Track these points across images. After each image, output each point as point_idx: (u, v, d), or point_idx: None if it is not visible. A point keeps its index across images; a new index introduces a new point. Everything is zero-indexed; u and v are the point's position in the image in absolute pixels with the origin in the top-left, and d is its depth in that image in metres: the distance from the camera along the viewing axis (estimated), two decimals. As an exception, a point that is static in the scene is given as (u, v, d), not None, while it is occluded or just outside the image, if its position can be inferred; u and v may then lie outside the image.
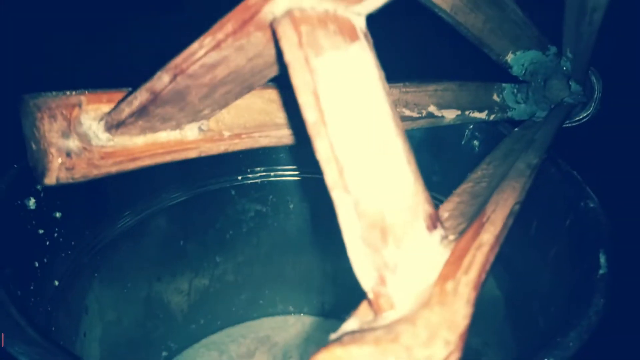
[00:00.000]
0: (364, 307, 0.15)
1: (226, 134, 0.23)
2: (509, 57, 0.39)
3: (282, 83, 0.25)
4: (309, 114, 0.14)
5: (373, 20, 0.18)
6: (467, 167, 0.31)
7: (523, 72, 0.40)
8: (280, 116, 0.25)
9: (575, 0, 0.25)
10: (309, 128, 0.14)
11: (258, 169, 0.43)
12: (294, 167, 0.44)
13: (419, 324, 0.13)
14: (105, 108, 0.20)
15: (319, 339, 0.47)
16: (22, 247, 0.29)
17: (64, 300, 0.32)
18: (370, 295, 0.14)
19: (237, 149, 0.24)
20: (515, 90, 0.40)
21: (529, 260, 0.35)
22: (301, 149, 0.28)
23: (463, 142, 0.40)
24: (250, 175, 0.43)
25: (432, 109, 0.34)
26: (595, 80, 0.38)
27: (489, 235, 0.17)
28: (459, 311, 0.13)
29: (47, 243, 0.31)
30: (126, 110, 0.18)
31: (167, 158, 0.21)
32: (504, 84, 0.40)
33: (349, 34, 0.15)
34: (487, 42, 0.37)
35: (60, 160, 0.19)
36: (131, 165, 0.21)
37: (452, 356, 0.13)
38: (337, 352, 0.12)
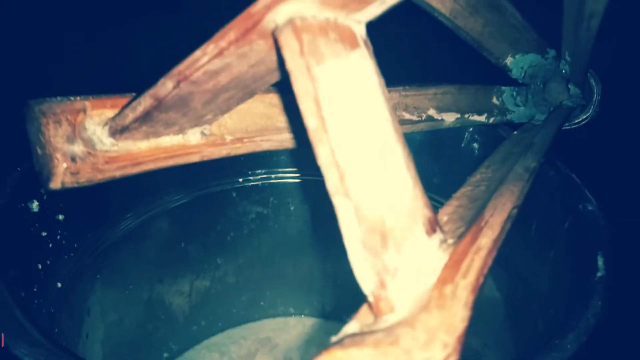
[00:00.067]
0: (364, 310, 0.15)
1: (228, 138, 0.23)
2: (508, 61, 0.39)
3: (283, 87, 0.25)
4: (311, 121, 0.14)
5: (373, 24, 0.18)
6: (467, 169, 0.31)
7: (522, 75, 0.40)
8: (281, 120, 0.26)
9: (573, 6, 0.25)
10: (310, 134, 0.14)
11: (259, 171, 0.44)
12: (294, 169, 0.44)
13: (418, 327, 0.13)
14: (109, 113, 0.20)
15: (319, 341, 0.47)
16: (26, 250, 0.30)
17: (66, 302, 0.33)
18: (371, 298, 0.14)
19: (239, 153, 0.24)
20: (514, 93, 0.40)
21: (528, 261, 0.35)
22: (301, 152, 0.29)
23: (463, 145, 0.40)
24: (251, 178, 0.44)
25: (431, 112, 0.35)
26: (594, 83, 0.39)
27: (487, 239, 0.17)
28: (457, 314, 0.14)
29: (50, 245, 0.32)
30: (130, 115, 0.19)
31: (170, 162, 0.22)
32: (503, 87, 0.40)
33: (350, 41, 0.16)
34: (486, 46, 0.37)
35: (65, 165, 0.19)
36: (135, 170, 0.21)
37: (450, 358, 0.13)
38: (338, 354, 0.13)
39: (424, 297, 0.14)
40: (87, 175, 0.20)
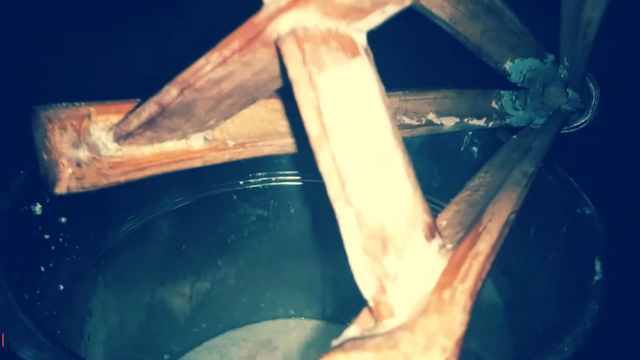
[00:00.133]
0: (365, 314, 0.15)
1: (230, 143, 0.23)
2: (508, 65, 0.40)
3: (285, 92, 0.26)
4: (312, 129, 0.15)
5: (373, 29, 0.18)
6: (466, 173, 0.31)
7: (521, 79, 0.40)
8: (283, 125, 0.26)
9: (571, 13, 0.25)
10: (312, 142, 0.15)
11: (259, 173, 0.44)
12: (295, 172, 0.45)
13: (418, 331, 0.13)
14: (114, 119, 0.21)
15: (319, 343, 0.47)
16: (29, 252, 0.30)
17: (69, 304, 0.33)
18: (371, 303, 0.15)
19: (241, 157, 0.24)
20: (513, 97, 0.41)
21: (527, 265, 0.35)
22: (302, 154, 0.29)
23: (462, 149, 0.41)
24: (251, 180, 0.44)
25: (431, 116, 0.35)
26: (592, 87, 0.39)
27: (485, 244, 0.17)
28: (455, 319, 0.14)
29: (53, 248, 0.32)
30: (135, 121, 0.19)
31: (174, 167, 0.22)
32: (502, 91, 0.40)
33: (351, 50, 0.16)
34: (485, 51, 0.38)
35: (70, 170, 0.19)
36: (139, 175, 0.21)
37: (449, 362, 0.13)
38: (339, 358, 0.13)
39: (423, 301, 0.14)
40: (92, 181, 0.20)
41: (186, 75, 0.17)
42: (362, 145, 0.15)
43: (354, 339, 0.14)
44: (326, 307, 0.49)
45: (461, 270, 0.15)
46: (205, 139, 0.22)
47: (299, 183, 0.45)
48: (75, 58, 0.85)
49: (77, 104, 0.20)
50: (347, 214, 0.14)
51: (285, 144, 0.26)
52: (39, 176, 0.28)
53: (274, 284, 0.48)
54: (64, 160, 0.19)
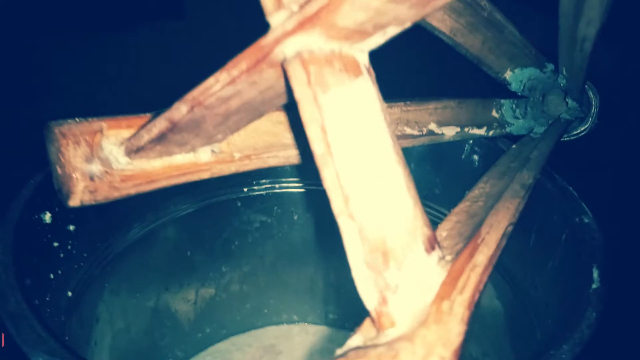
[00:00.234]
0: (367, 324, 0.16)
1: (237, 155, 0.24)
2: (508, 75, 0.40)
3: (289, 105, 0.26)
4: (317, 147, 0.15)
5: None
6: (467, 180, 0.32)
7: (521, 88, 0.41)
8: (287, 137, 0.27)
9: (567, 29, 0.26)
10: (316, 159, 0.15)
11: (263, 181, 0.44)
12: (298, 179, 0.45)
13: (417, 341, 0.14)
14: (125, 133, 0.21)
15: (322, 348, 0.48)
16: (39, 260, 0.30)
17: (76, 310, 0.33)
18: (373, 314, 0.15)
19: (247, 169, 0.25)
20: (513, 106, 0.41)
21: (527, 272, 0.36)
22: (305, 162, 0.30)
23: (463, 157, 0.41)
24: (255, 187, 0.44)
25: (432, 126, 0.36)
26: (592, 96, 0.39)
27: (482, 256, 0.18)
28: (453, 329, 0.15)
29: (62, 255, 0.32)
30: (145, 136, 0.20)
31: (182, 179, 0.23)
32: (502, 100, 0.41)
33: (353, 70, 0.17)
34: (485, 61, 0.38)
35: (84, 184, 0.20)
36: (149, 187, 0.22)
37: (448, 371, 0.14)
38: (343, 366, 0.14)
39: (423, 312, 0.15)
40: (104, 193, 0.21)
41: (196, 93, 0.18)
42: (364, 162, 0.16)
43: (357, 349, 0.14)
44: (329, 312, 0.50)
45: (459, 282, 0.16)
46: (212, 151, 0.23)
47: (302, 190, 0.45)
48: (79, 61, 0.86)
49: (89, 119, 0.21)
50: (351, 229, 0.15)
51: (290, 155, 0.27)
52: (49, 185, 0.29)
53: (277, 290, 0.49)
54: (77, 174, 0.20)
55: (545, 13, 0.31)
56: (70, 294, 0.33)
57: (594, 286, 0.27)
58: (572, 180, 0.34)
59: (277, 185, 0.45)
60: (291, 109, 0.27)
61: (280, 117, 0.27)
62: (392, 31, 0.16)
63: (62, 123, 0.21)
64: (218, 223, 0.44)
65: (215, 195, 0.43)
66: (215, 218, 0.44)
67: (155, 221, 0.40)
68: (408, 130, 0.34)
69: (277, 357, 0.47)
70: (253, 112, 0.21)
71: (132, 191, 0.22)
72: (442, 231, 0.21)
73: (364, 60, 0.17)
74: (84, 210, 0.33)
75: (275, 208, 0.46)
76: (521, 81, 0.41)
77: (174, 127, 0.19)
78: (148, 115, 0.23)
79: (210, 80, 0.17)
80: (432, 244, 0.17)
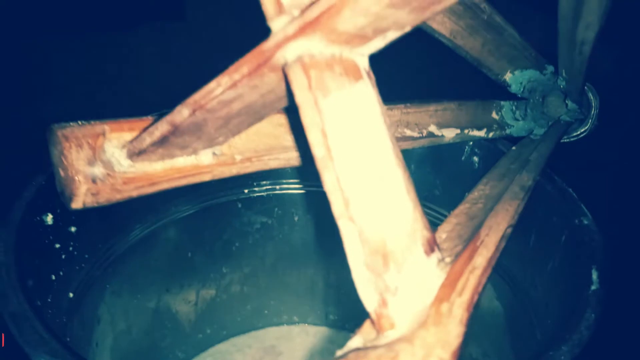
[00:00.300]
0: (367, 325, 0.16)
1: (238, 157, 0.24)
2: (507, 77, 0.40)
3: (289, 107, 0.27)
4: (318, 150, 0.15)
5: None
6: (467, 181, 0.32)
7: (521, 89, 0.41)
8: (287, 139, 0.27)
9: (566, 32, 0.26)
10: (317, 162, 0.16)
11: (264, 182, 0.45)
12: (299, 180, 0.45)
13: (416, 343, 0.14)
14: (127, 136, 0.22)
15: (323, 349, 0.48)
16: (41, 261, 0.31)
17: (78, 311, 0.34)
18: (373, 315, 0.16)
19: (248, 171, 0.25)
20: (513, 108, 0.41)
21: (527, 273, 0.36)
22: (306, 164, 0.30)
23: (463, 158, 0.41)
24: (256, 189, 0.45)
25: (432, 128, 0.36)
26: (592, 97, 0.39)
27: (482, 258, 0.18)
28: (452, 331, 0.15)
29: (63, 257, 0.33)
30: (147, 139, 0.20)
31: (184, 182, 0.23)
32: (502, 102, 0.41)
33: (353, 74, 0.17)
34: (485, 63, 0.39)
35: (86, 186, 0.20)
36: (151, 190, 0.22)
37: (447, 372, 0.14)
38: (343, 367, 0.14)
39: (422, 314, 0.15)
40: (107, 196, 0.21)
41: (197, 97, 0.18)
42: (364, 165, 0.16)
43: (356, 350, 0.15)
44: (330, 313, 0.50)
45: (459, 284, 0.16)
46: (214, 154, 0.23)
47: (303, 191, 0.46)
48: (80, 62, 0.86)
49: (92, 122, 0.21)
50: (351, 231, 0.15)
51: (290, 157, 0.27)
52: (50, 187, 0.29)
53: (278, 291, 0.49)
54: (80, 177, 0.20)
55: (546, 14, 0.31)
56: (71, 295, 0.33)
57: (593, 287, 0.27)
58: (571, 181, 0.34)
59: (277, 187, 0.45)
60: (292, 111, 0.27)
61: (281, 119, 0.27)
62: (392, 35, 0.17)
63: (65, 126, 0.21)
64: (219, 224, 0.44)
65: (215, 197, 0.43)
66: (216, 219, 0.44)
67: (156, 222, 0.40)
68: (408, 132, 0.35)
69: (278, 358, 0.47)
70: (254, 115, 0.21)
71: (134, 193, 0.22)
72: (442, 233, 0.21)
73: (364, 64, 0.17)
74: (86, 212, 0.33)
75: (276, 209, 0.46)
76: (521, 83, 0.41)
77: (175, 130, 0.19)
78: (150, 118, 0.23)
79: (212, 84, 0.17)
80: (432, 246, 0.17)
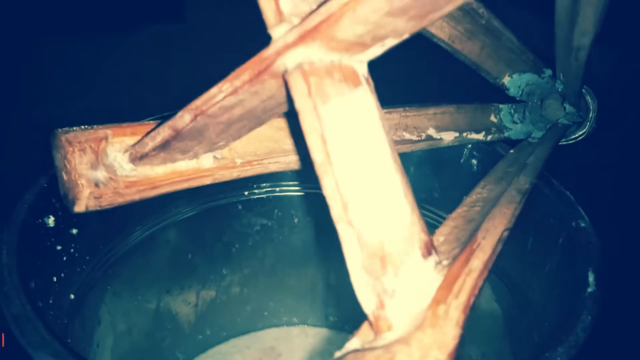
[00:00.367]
0: (365, 327, 0.16)
1: (238, 161, 0.25)
2: (506, 80, 0.41)
3: (289, 112, 0.27)
4: (317, 155, 0.16)
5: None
6: (466, 184, 0.32)
7: (520, 93, 0.41)
8: (287, 143, 0.27)
9: (562, 38, 0.27)
10: (316, 167, 0.16)
11: (264, 184, 0.45)
12: (298, 182, 0.45)
13: (413, 344, 0.14)
14: (129, 140, 0.22)
15: (322, 350, 0.48)
16: (42, 263, 0.31)
17: (79, 312, 0.34)
18: (371, 317, 0.16)
19: (249, 174, 0.26)
20: (512, 111, 0.41)
21: (525, 275, 0.36)
22: (305, 166, 0.30)
23: (462, 161, 0.42)
24: (256, 191, 0.45)
25: (431, 131, 0.36)
26: (590, 100, 0.40)
27: (478, 261, 0.18)
28: (448, 333, 0.15)
29: (65, 258, 0.33)
30: (150, 144, 0.20)
31: (185, 185, 0.23)
32: (501, 105, 0.41)
33: (352, 80, 0.17)
34: (484, 67, 0.39)
35: (89, 190, 0.21)
36: (153, 193, 0.22)
37: (443, 373, 0.14)
38: (341, 369, 0.14)
39: (419, 316, 0.15)
40: (109, 199, 0.21)
41: (199, 102, 0.18)
42: (363, 170, 0.16)
43: (355, 351, 0.15)
44: (329, 314, 0.50)
45: (455, 287, 0.16)
46: (215, 158, 0.24)
47: (303, 193, 0.46)
48: (81, 63, 0.87)
49: (94, 126, 0.22)
50: (349, 235, 0.16)
51: (290, 161, 0.27)
52: (52, 189, 0.30)
53: (277, 292, 0.49)
54: (83, 181, 0.21)
55: (544, 18, 0.32)
56: (72, 296, 0.33)
57: (589, 290, 0.27)
58: (569, 184, 0.35)
59: (277, 189, 0.46)
60: (292, 115, 0.27)
61: (281, 123, 0.27)
62: (390, 43, 0.17)
63: (68, 130, 0.21)
64: (219, 226, 0.44)
65: (216, 199, 0.44)
66: (216, 221, 0.44)
67: (156, 224, 0.41)
68: (407, 136, 0.35)
69: (277, 359, 0.47)
70: (255, 120, 0.21)
71: (136, 197, 0.22)
72: (440, 236, 0.21)
73: (362, 70, 0.18)
74: (86, 214, 0.33)
75: (276, 211, 0.46)
76: (519, 86, 0.41)
77: (177, 135, 0.19)
78: (151, 123, 0.23)
79: (214, 90, 0.17)
80: (429, 249, 0.17)
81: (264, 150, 0.26)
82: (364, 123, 0.17)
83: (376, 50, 0.17)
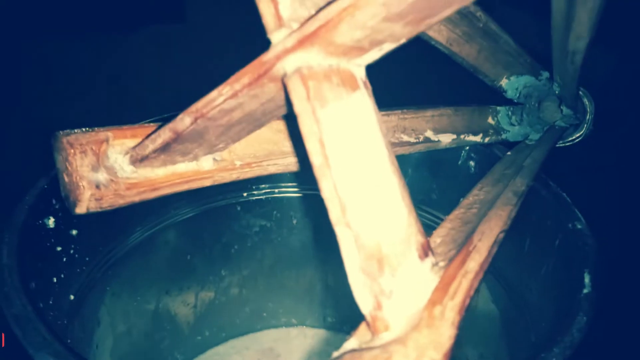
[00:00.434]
0: (362, 328, 0.16)
1: (238, 163, 0.25)
2: (503, 82, 0.41)
3: (288, 114, 0.27)
4: (315, 159, 0.16)
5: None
6: (463, 186, 0.33)
7: (517, 95, 0.41)
8: (286, 145, 0.27)
9: (558, 41, 0.27)
10: (315, 170, 0.16)
11: (263, 185, 0.45)
12: (297, 183, 0.46)
13: (410, 344, 0.15)
14: (130, 142, 0.22)
15: (320, 351, 0.48)
16: (43, 264, 0.31)
17: (78, 313, 0.34)
18: (368, 318, 0.16)
19: (248, 176, 0.26)
20: (509, 113, 0.42)
21: (522, 276, 0.36)
22: (304, 167, 0.30)
23: (460, 163, 0.42)
24: (255, 192, 0.45)
25: (429, 134, 0.36)
26: (587, 102, 0.40)
27: (474, 263, 0.18)
28: (444, 333, 0.15)
29: (64, 259, 0.33)
30: (150, 146, 0.20)
31: (185, 187, 0.23)
32: (498, 107, 0.42)
33: (350, 84, 0.17)
34: (481, 69, 0.39)
35: (90, 192, 0.21)
36: (153, 195, 0.23)
37: (439, 372, 0.15)
38: (339, 368, 0.14)
39: (415, 317, 0.16)
40: (110, 201, 0.22)
41: (199, 105, 0.18)
42: (361, 173, 0.17)
43: (352, 351, 0.15)
44: (327, 315, 0.50)
45: (451, 288, 0.17)
46: (214, 160, 0.24)
47: (301, 195, 0.46)
48: (82, 63, 0.87)
49: (95, 128, 0.22)
50: (347, 237, 0.16)
51: (289, 163, 0.28)
52: (52, 191, 0.30)
53: (276, 293, 0.49)
54: (84, 183, 0.21)
55: (542, 18, 0.32)
56: (72, 297, 0.33)
57: (585, 291, 0.28)
58: (566, 186, 0.35)
59: (276, 190, 0.46)
60: (291, 118, 0.28)
61: (280, 126, 0.27)
62: (388, 47, 0.17)
63: (70, 133, 0.21)
64: (218, 227, 0.45)
65: (215, 200, 0.44)
66: (215, 222, 0.44)
67: (155, 226, 0.41)
68: (405, 138, 0.35)
69: (276, 360, 0.47)
70: (254, 122, 0.21)
71: (137, 199, 0.22)
72: (437, 238, 0.22)
73: (360, 74, 0.18)
74: (86, 215, 0.33)
75: (275, 212, 0.46)
76: (517, 89, 0.41)
77: (178, 138, 0.20)
78: (151, 125, 0.23)
79: (214, 93, 0.18)
80: (426, 251, 0.18)
81: (263, 152, 0.26)
82: (362, 126, 0.17)
83: (374, 55, 0.17)
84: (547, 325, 0.32)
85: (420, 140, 0.36)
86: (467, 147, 0.41)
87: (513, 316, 0.37)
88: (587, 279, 0.28)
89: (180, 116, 0.19)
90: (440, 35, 0.35)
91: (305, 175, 0.45)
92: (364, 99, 0.18)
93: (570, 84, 0.33)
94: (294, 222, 0.47)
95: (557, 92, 0.40)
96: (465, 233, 0.21)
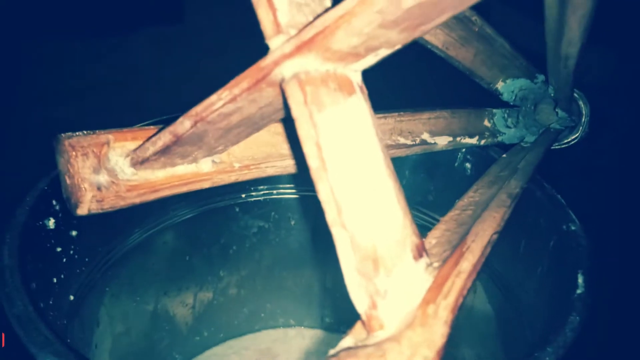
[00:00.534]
0: (358, 326, 0.17)
1: (236, 165, 0.25)
2: (499, 85, 0.41)
3: (286, 117, 0.27)
4: (313, 162, 0.16)
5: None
6: (459, 187, 0.33)
7: (513, 98, 0.42)
8: (284, 147, 0.28)
9: (552, 46, 0.27)
10: (312, 173, 0.17)
11: (261, 187, 0.45)
12: (295, 185, 0.46)
13: (403, 342, 0.15)
14: (130, 145, 0.22)
15: (318, 351, 0.49)
16: (43, 264, 0.31)
17: (78, 313, 0.34)
18: (364, 317, 0.17)
19: (246, 178, 0.26)
20: (505, 115, 0.42)
21: (518, 277, 0.37)
22: (302, 169, 0.31)
23: (456, 165, 0.42)
24: (253, 193, 0.45)
25: (425, 136, 0.37)
26: (582, 105, 0.40)
27: (467, 263, 0.19)
28: (437, 331, 0.16)
29: (64, 260, 0.33)
30: (150, 149, 0.21)
31: (184, 189, 0.24)
32: (494, 110, 0.42)
33: (347, 89, 0.18)
34: (477, 73, 0.40)
35: (91, 194, 0.21)
36: (153, 196, 0.23)
37: (431, 370, 0.15)
38: (335, 366, 0.15)
39: (409, 315, 0.16)
40: (111, 203, 0.22)
41: (199, 109, 0.19)
42: (357, 176, 0.17)
43: (348, 349, 0.16)
44: (325, 316, 0.51)
45: (445, 287, 0.17)
46: (213, 162, 0.24)
47: (299, 196, 0.46)
48: (81, 64, 0.87)
49: (97, 131, 0.22)
50: (343, 238, 0.16)
51: (287, 165, 0.28)
52: (52, 192, 0.30)
53: (274, 294, 0.49)
54: (85, 185, 0.21)
55: (539, 20, 0.32)
56: (72, 297, 0.34)
57: (578, 291, 0.28)
58: (561, 187, 0.35)
59: (274, 192, 0.46)
60: (289, 120, 0.28)
61: (278, 128, 0.28)
62: (384, 53, 0.18)
63: (71, 135, 0.22)
64: (216, 228, 0.45)
65: (214, 201, 0.44)
66: (214, 223, 0.44)
67: (154, 227, 0.41)
68: (402, 140, 0.36)
69: (274, 360, 0.47)
70: (252, 126, 0.22)
71: (137, 200, 0.23)
72: (432, 239, 0.22)
73: (357, 79, 0.18)
74: (86, 217, 0.34)
75: (273, 213, 0.47)
76: (513, 91, 0.42)
77: (177, 140, 0.20)
78: (152, 128, 0.24)
79: (213, 98, 0.18)
80: (420, 252, 0.18)
81: (261, 154, 0.27)
82: (358, 130, 0.18)
83: (370, 60, 0.18)
84: (542, 325, 0.32)
85: (417, 142, 0.36)
86: (464, 149, 0.41)
87: (509, 316, 0.38)
88: (580, 280, 0.29)
89: (180, 119, 0.20)
90: (436, 39, 0.35)
91: (302, 177, 0.46)
92: (360, 104, 0.18)
93: (565, 87, 0.34)
94: (292, 223, 0.47)
95: (552, 94, 0.41)
96: (459, 234, 0.22)
